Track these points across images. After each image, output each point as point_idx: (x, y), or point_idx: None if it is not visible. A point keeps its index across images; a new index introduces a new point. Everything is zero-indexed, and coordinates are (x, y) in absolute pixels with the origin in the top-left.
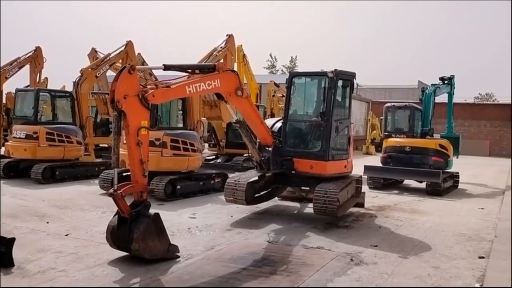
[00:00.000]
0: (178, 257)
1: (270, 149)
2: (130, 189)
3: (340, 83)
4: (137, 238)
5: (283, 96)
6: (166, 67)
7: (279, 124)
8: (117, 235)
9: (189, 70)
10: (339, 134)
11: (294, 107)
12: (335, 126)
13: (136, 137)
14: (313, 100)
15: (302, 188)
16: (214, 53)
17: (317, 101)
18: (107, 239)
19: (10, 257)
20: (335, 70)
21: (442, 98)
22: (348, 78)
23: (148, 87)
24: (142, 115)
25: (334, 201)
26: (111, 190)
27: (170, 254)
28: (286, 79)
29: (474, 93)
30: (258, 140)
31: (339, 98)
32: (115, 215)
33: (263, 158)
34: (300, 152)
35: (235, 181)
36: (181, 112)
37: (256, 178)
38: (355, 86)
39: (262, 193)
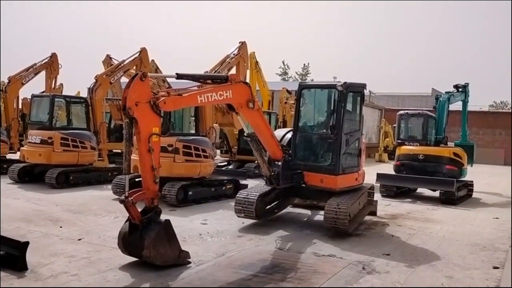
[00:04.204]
0: (189, 263)
1: (279, 163)
2: (141, 196)
3: (350, 95)
4: (148, 245)
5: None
6: (179, 76)
7: (289, 136)
8: (128, 242)
9: (202, 80)
10: (349, 147)
11: (303, 119)
12: (345, 139)
13: (147, 143)
14: (323, 112)
15: None
16: (227, 60)
17: (327, 113)
18: (119, 245)
19: (24, 261)
20: (345, 83)
21: (456, 106)
22: (358, 90)
23: (160, 94)
24: (154, 122)
25: (345, 217)
26: (122, 197)
27: (181, 260)
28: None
29: (489, 101)
30: (267, 153)
31: (349, 110)
32: (126, 221)
33: (273, 173)
34: (310, 165)
35: (245, 196)
36: (193, 118)
37: (266, 191)
38: (367, 93)
39: (273, 204)
